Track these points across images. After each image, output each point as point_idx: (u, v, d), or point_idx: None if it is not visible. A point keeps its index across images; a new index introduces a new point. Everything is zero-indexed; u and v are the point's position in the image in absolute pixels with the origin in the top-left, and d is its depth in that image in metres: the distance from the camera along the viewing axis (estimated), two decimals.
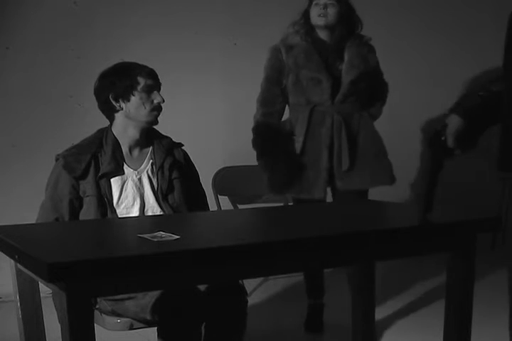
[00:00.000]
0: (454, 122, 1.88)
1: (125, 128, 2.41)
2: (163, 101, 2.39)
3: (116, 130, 2.42)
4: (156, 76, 2.42)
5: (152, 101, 2.38)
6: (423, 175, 1.96)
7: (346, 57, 3.17)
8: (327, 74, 3.11)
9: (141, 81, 2.36)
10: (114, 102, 2.38)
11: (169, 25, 4.15)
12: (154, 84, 2.39)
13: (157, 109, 2.40)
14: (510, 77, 1.21)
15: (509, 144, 1.24)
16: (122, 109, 2.38)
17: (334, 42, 3.17)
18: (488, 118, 1.89)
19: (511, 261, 1.30)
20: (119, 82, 2.36)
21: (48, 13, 3.89)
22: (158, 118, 2.43)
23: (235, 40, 4.37)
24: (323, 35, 3.19)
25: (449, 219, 2.05)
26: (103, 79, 2.40)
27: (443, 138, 1.90)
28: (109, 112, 2.42)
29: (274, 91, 3.26)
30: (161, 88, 2.44)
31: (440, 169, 1.96)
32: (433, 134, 1.94)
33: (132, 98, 2.37)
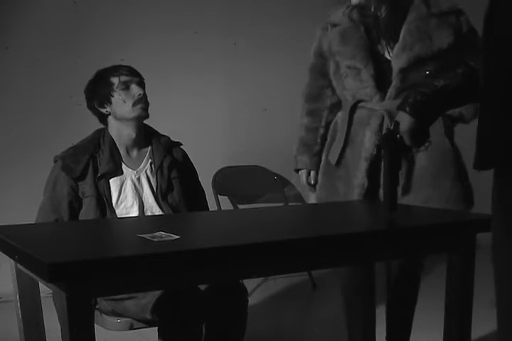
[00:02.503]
0: (405, 120, 1.90)
1: (119, 130, 2.41)
2: (144, 93, 2.39)
3: (112, 133, 2.43)
4: (132, 71, 2.42)
5: (133, 96, 2.38)
6: (383, 176, 1.98)
7: (401, 35, 2.36)
8: (366, 60, 2.36)
9: (115, 80, 2.37)
10: (100, 109, 2.41)
11: (169, 25, 4.15)
12: (130, 79, 2.39)
13: (140, 101, 2.38)
14: (489, 62, 1.22)
15: (485, 138, 1.24)
16: (110, 113, 2.40)
17: (389, 18, 2.38)
18: (434, 114, 1.93)
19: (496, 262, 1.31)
20: (97, 89, 2.40)
21: (48, 13, 3.89)
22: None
23: (235, 40, 4.37)
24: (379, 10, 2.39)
25: (448, 219, 2.05)
26: (85, 92, 2.45)
27: (398, 137, 1.92)
28: (102, 118, 2.45)
29: (319, 83, 2.54)
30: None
31: (399, 168, 1.98)
32: (387, 134, 1.95)
33: (113, 99, 2.38)
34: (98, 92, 2.40)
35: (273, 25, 4.45)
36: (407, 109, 1.89)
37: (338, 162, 2.44)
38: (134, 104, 2.37)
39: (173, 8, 4.18)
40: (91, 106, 2.44)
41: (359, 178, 2.37)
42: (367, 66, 2.35)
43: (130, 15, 4.07)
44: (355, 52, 2.37)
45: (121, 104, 2.37)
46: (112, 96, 2.37)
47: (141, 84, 2.42)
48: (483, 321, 2.38)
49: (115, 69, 2.41)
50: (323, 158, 2.53)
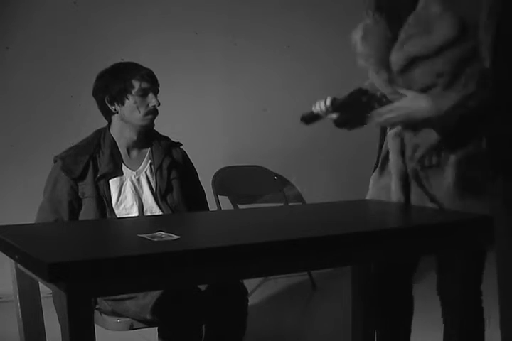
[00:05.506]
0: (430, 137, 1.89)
1: (122, 131, 2.40)
2: (159, 104, 2.36)
3: (114, 131, 2.42)
4: (153, 78, 2.38)
5: (147, 105, 2.35)
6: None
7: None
8: (379, 65, 2.03)
9: (136, 84, 2.34)
10: (109, 105, 2.37)
11: (169, 25, 4.15)
12: (150, 87, 2.36)
13: (152, 112, 2.37)
14: (500, 80, 1.22)
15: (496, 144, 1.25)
16: (117, 112, 2.37)
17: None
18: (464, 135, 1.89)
19: (500, 263, 1.30)
20: (113, 85, 2.34)
21: (48, 13, 3.89)
22: (158, 120, 2.42)
23: (235, 40, 4.37)
24: None
25: (448, 219, 2.05)
26: (98, 81, 2.40)
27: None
28: (106, 114, 2.42)
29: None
30: (160, 89, 2.42)
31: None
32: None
33: (126, 102, 2.35)
34: (113, 89, 2.34)
35: (273, 25, 4.45)
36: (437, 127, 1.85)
37: (383, 168, 2.18)
38: (146, 114, 2.36)
39: (173, 8, 4.18)
40: (100, 98, 2.39)
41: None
42: (379, 71, 2.03)
43: (130, 15, 4.07)
44: (371, 53, 2.05)
45: (134, 109, 2.35)
46: (127, 99, 2.34)
47: (157, 92, 2.39)
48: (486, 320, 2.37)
49: (138, 71, 2.36)
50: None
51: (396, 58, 1.98)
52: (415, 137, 2.02)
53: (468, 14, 1.86)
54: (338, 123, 2.17)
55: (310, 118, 2.15)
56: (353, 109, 2.05)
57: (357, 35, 2.10)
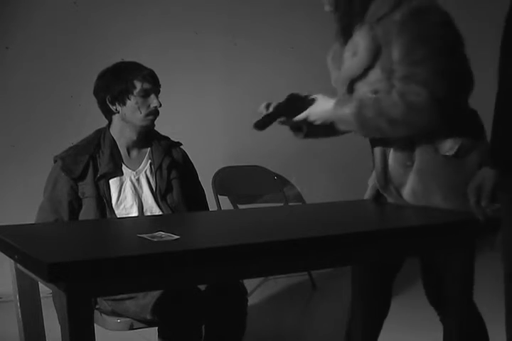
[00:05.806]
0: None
1: (122, 131, 2.40)
2: (160, 105, 2.36)
3: (114, 131, 2.41)
4: (155, 79, 2.38)
5: (148, 106, 2.35)
6: None
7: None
8: (341, 86, 2.12)
9: (138, 85, 2.33)
10: (110, 105, 2.37)
11: (169, 25, 4.15)
12: (151, 87, 2.36)
13: (153, 113, 2.37)
14: (506, 81, 1.22)
15: (498, 140, 1.25)
16: (118, 112, 2.37)
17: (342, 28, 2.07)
18: None
19: (506, 261, 1.30)
20: (115, 85, 2.34)
21: (48, 13, 3.89)
22: (158, 120, 2.42)
23: (235, 40, 4.37)
24: None
25: (449, 219, 2.05)
26: (100, 80, 2.39)
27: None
28: (107, 113, 2.42)
29: None
30: (161, 89, 2.42)
31: None
32: None
33: (128, 102, 2.34)
34: (115, 89, 2.34)
35: (273, 25, 4.45)
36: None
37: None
38: (147, 115, 2.36)
39: (173, 8, 4.18)
40: (100, 97, 2.38)
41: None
42: (343, 94, 2.08)
43: (130, 15, 4.07)
44: (334, 75, 2.14)
45: (135, 110, 2.34)
46: (129, 99, 2.34)
47: (159, 93, 2.39)
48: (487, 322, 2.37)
49: (140, 71, 2.35)
50: None
51: (340, 80, 2.08)
52: (475, 180, 1.92)
53: (387, 34, 1.91)
54: (294, 129, 2.28)
55: (263, 124, 2.28)
56: (292, 114, 2.20)
57: (328, 58, 2.18)
